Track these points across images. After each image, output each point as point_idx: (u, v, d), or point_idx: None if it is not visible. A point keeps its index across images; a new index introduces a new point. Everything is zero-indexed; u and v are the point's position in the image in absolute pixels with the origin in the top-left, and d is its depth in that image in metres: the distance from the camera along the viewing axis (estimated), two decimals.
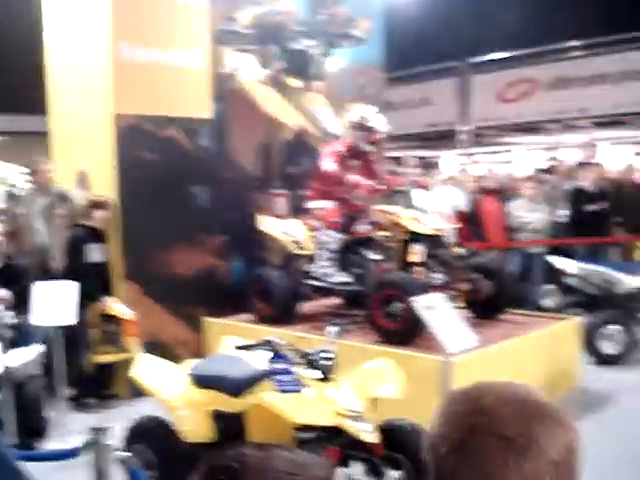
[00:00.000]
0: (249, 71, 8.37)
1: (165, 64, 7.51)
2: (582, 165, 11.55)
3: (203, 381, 4.52)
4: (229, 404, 4.35)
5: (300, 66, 8.84)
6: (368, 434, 4.01)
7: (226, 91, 8.11)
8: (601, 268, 8.31)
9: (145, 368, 4.82)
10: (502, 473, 1.02)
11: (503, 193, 10.53)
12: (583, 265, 8.38)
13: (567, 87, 16.26)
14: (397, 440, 4.23)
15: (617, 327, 7.82)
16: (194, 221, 7.80)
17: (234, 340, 4.91)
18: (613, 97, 15.51)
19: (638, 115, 16.06)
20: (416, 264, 6.61)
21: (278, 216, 7.89)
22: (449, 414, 1.10)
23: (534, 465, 1.03)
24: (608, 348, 7.81)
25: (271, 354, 4.24)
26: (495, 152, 20.21)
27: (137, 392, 5.33)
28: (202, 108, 7.85)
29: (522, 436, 1.04)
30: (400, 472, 4.17)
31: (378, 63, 9.78)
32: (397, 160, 12.79)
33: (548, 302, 9.29)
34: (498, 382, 1.15)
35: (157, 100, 7.47)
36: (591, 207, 9.98)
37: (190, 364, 4.76)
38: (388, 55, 9.93)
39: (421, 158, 18.44)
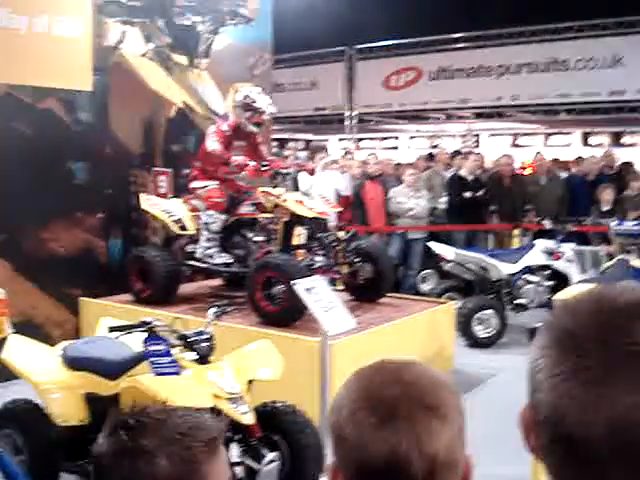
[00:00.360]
0: (133, 44, 8.13)
1: (44, 32, 7.19)
2: (462, 154, 11.91)
3: (77, 363, 4.40)
4: (104, 387, 4.25)
5: (186, 42, 8.66)
6: (245, 416, 4.01)
7: (108, 64, 7.85)
8: (477, 255, 8.60)
9: (16, 350, 4.64)
10: (431, 441, 1.06)
11: (385, 179, 10.71)
12: (460, 251, 8.65)
13: (450, 77, 16.67)
14: (274, 421, 4.26)
15: (490, 312, 8.12)
16: (71, 197, 7.53)
17: (111, 321, 4.79)
18: (494, 89, 16.02)
19: (516, 108, 16.67)
20: (298, 247, 6.64)
21: (160, 195, 7.74)
22: (367, 388, 1.12)
23: (452, 432, 1.09)
24: (481, 332, 8.10)
25: (148, 336, 4.15)
26: (381, 138, 20.53)
27: (7, 375, 5.12)
28: (82, 80, 7.57)
29: (441, 405, 1.10)
30: (277, 453, 4.19)
31: (267, 44, 9.70)
32: (283, 142, 12.78)
33: (426, 286, 9.56)
34: (400, 358, 1.19)
35: (34, 69, 7.14)
36: (470, 195, 10.30)
37: (64, 346, 4.61)
38: (277, 37, 9.87)
39: (307, 141, 18.56)
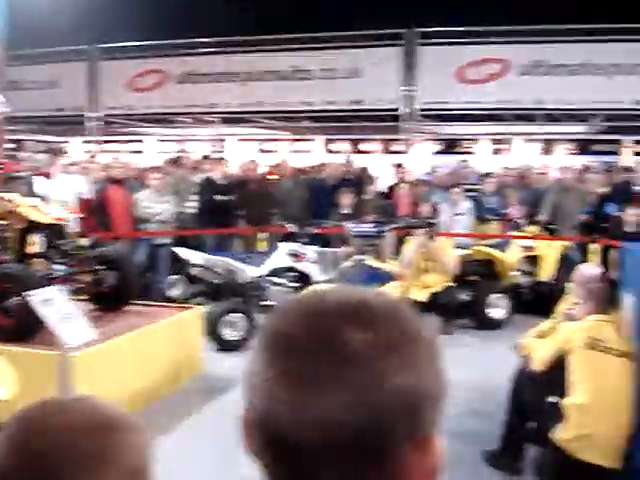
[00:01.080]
0: None
1: None
2: (209, 158, 11.98)
3: None
4: None
5: None
6: None
7: None
8: (224, 258, 8.66)
9: None
10: None
11: (130, 183, 10.47)
12: (207, 256, 8.66)
13: (196, 82, 16.66)
14: None
15: (238, 315, 8.18)
16: None
17: None
18: (239, 95, 16.25)
19: (261, 114, 17.06)
20: (35, 255, 6.27)
21: None
22: (10, 439, 1.02)
23: (112, 478, 1.01)
24: (230, 335, 8.14)
25: None
26: (126, 141, 20.04)
27: None
28: None
29: (96, 451, 1.01)
30: None
31: (0, 39, 9.06)
32: (18, 144, 12.06)
33: (175, 292, 9.45)
34: (63, 399, 1.12)
35: None
36: (218, 199, 10.39)
37: None
38: (14, 32, 9.26)
39: (46, 143, 17.66)
